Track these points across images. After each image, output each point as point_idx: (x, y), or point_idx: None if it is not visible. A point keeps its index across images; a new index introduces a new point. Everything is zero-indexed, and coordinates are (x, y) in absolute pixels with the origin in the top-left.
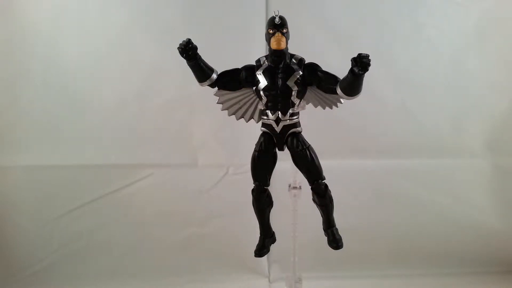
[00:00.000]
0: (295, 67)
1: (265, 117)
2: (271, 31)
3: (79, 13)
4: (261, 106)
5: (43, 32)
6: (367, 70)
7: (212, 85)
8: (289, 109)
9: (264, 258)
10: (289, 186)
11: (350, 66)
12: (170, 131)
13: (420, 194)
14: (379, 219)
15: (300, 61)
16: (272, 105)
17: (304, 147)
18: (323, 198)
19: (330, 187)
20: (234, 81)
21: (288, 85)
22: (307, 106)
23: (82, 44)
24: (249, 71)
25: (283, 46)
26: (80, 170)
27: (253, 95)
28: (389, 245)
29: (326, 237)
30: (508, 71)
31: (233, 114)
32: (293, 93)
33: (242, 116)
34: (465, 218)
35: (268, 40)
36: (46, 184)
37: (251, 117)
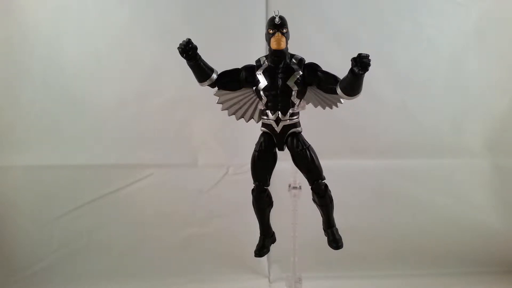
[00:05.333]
0: (295, 67)
1: (265, 117)
2: (271, 31)
3: (79, 13)
4: (261, 106)
5: (43, 32)
6: (367, 70)
7: (212, 85)
8: (289, 109)
9: (264, 258)
10: (289, 186)
11: (350, 66)
12: (170, 131)
13: (420, 194)
14: (379, 219)
15: (300, 61)
16: (272, 105)
17: (304, 147)
18: (323, 198)
19: (330, 187)
20: (234, 81)
21: (288, 85)
22: (307, 106)
23: (82, 44)
24: (249, 71)
25: (283, 46)
26: (80, 170)
27: (253, 95)
28: (389, 245)
29: (326, 237)
30: (508, 71)
31: (233, 114)
32: (293, 93)
33: (242, 116)
34: (465, 218)
35: (268, 40)
36: (46, 184)
37: (251, 117)
